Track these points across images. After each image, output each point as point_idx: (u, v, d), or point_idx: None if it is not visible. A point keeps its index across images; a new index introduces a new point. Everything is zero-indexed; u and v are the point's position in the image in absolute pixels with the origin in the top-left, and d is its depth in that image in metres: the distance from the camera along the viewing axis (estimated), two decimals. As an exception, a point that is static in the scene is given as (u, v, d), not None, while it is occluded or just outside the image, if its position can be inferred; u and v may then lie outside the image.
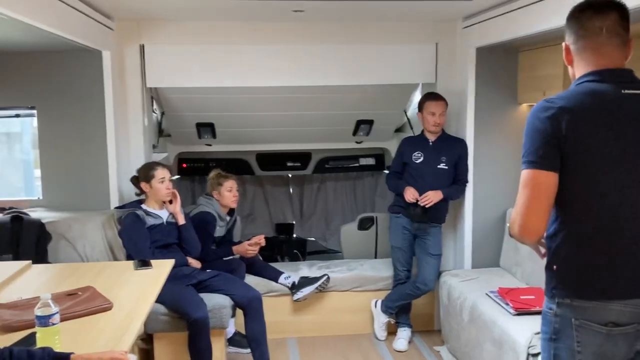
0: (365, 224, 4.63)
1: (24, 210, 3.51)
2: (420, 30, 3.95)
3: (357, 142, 5.07)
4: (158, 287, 2.50)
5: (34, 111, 3.70)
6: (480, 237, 3.89)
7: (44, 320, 1.80)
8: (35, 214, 3.55)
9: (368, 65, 3.98)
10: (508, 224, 1.80)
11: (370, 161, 5.27)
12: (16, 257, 3.18)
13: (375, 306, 3.96)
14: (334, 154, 5.19)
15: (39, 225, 3.39)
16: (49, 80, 3.63)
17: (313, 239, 5.56)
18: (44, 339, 1.81)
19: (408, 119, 4.71)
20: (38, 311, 1.81)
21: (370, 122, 4.71)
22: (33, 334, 1.85)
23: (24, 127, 4.62)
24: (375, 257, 4.58)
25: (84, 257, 3.44)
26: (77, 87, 3.63)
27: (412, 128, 4.65)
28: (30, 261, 2.83)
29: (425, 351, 3.79)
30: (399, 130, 4.98)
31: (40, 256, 3.31)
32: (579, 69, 1.74)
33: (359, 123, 4.71)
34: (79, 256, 3.44)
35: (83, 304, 2.20)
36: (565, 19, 1.74)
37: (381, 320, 3.93)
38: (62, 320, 2.01)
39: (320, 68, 3.94)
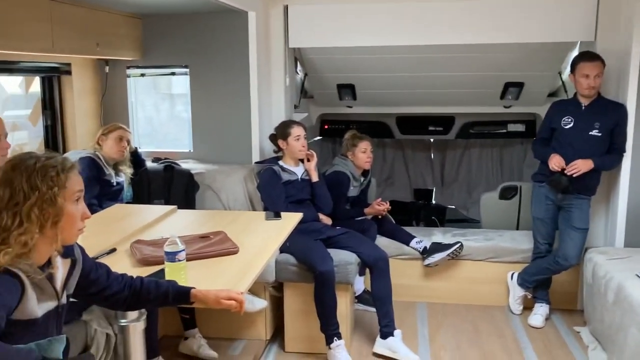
0: (507, 194, 4.39)
1: (176, 161, 3.84)
2: (580, -18, 3.58)
3: (505, 107, 4.78)
4: (282, 237, 2.61)
5: (187, 69, 4.00)
6: (637, 213, 3.50)
7: (171, 256, 1.97)
8: (186, 165, 3.88)
9: (518, 22, 3.71)
10: None
11: (520, 127, 4.96)
12: (167, 203, 3.51)
13: (512, 279, 3.77)
14: (479, 119, 4.95)
15: (188, 175, 3.70)
16: (199, 40, 3.89)
17: (453, 206, 5.40)
18: (171, 273, 1.98)
19: (563, 82, 4.33)
20: (167, 248, 1.99)
21: (519, 85, 4.40)
22: (163, 269, 2.04)
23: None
24: (517, 229, 4.34)
25: (226, 207, 3.70)
26: (225, 47, 3.85)
27: (566, 92, 4.27)
28: (176, 206, 3.11)
29: (564, 330, 3.54)
30: (552, 94, 4.60)
31: (188, 203, 3.63)
32: None
33: (507, 86, 4.43)
34: (223, 206, 3.71)
35: (212, 246, 2.37)
36: None
37: (517, 293, 3.74)
38: (192, 259, 2.20)
39: (467, 25, 3.74)
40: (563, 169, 3.31)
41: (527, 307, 3.73)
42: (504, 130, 5.00)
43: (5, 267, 1.40)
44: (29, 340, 1.39)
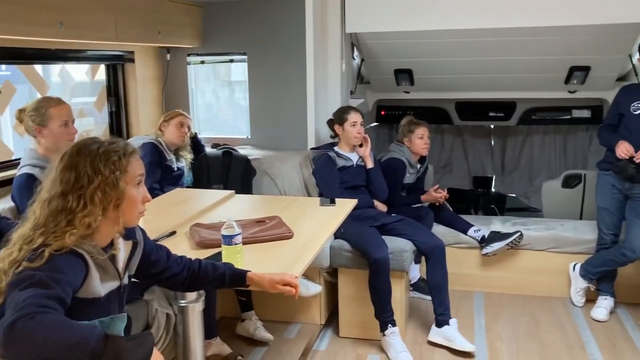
0: (571, 182, 4.24)
1: (234, 147, 3.91)
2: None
3: (569, 92, 4.58)
4: (337, 223, 2.62)
5: (245, 56, 4.05)
6: None
7: (228, 240, 2.02)
8: (243, 150, 3.95)
9: (587, 2, 3.53)
10: None
11: (585, 113, 4.74)
12: (225, 187, 3.59)
13: (574, 270, 3.65)
14: (542, 104, 4.77)
15: (246, 161, 3.77)
16: (257, 27, 3.94)
17: (513, 195, 5.26)
18: (228, 256, 2.03)
19: (633, 65, 4.11)
20: (224, 231, 2.03)
21: (586, 69, 4.21)
22: (220, 252, 2.08)
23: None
24: (581, 219, 4.18)
25: (282, 193, 3.75)
26: (282, 34, 3.87)
27: (637, 76, 4.06)
28: (234, 191, 3.18)
29: (629, 325, 3.40)
30: (621, 78, 4.37)
31: (245, 188, 3.70)
32: None
33: (573, 70, 4.23)
34: (278, 191, 3.77)
35: (268, 230, 2.40)
36: None
37: (579, 285, 3.61)
38: (247, 243, 2.24)
39: (531, 7, 3.59)
40: (631, 157, 3.16)
41: (590, 300, 3.61)
42: (569, 117, 4.80)
43: (70, 247, 1.46)
44: (92, 318, 1.45)
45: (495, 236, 3.73)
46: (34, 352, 1.26)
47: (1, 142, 3.24)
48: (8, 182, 2.80)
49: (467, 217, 3.94)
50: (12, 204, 2.62)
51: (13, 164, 3.07)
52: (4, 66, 3.41)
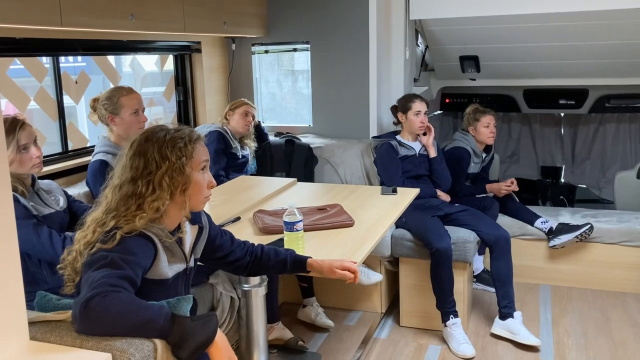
0: (647, 173, 4.03)
1: (297, 135, 3.95)
2: None
3: (647, 78, 4.36)
4: (398, 212, 2.60)
5: (308, 45, 4.07)
6: None
7: (290, 226, 2.05)
8: (305, 139, 3.98)
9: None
10: None
11: (666, 101, 4.50)
12: (288, 175, 3.65)
13: (649, 265, 3.49)
14: (617, 91, 4.55)
15: (308, 149, 3.80)
16: (320, 15, 3.94)
17: (584, 186, 5.06)
18: (289, 242, 2.06)
19: None
20: (286, 218, 2.06)
21: (668, 54, 3.98)
22: (282, 239, 2.12)
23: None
24: (658, 212, 3.97)
25: (343, 181, 3.77)
26: (345, 22, 3.86)
27: None
28: (296, 179, 3.22)
29: None
30: None
31: (307, 176, 3.73)
32: None
33: (653, 54, 4.02)
34: (340, 180, 3.78)
35: (329, 218, 2.42)
36: None
37: (654, 281, 3.45)
38: (309, 230, 2.27)
39: None
40: None
41: (667, 297, 3.45)
42: None
43: (140, 230, 1.53)
44: (160, 298, 1.51)
45: (564, 228, 3.60)
46: (107, 328, 1.33)
47: (77, 130, 3.41)
48: (83, 168, 2.94)
49: (534, 208, 3.82)
50: (86, 188, 2.76)
51: (87, 150, 3.22)
52: (79, 57, 3.57)
